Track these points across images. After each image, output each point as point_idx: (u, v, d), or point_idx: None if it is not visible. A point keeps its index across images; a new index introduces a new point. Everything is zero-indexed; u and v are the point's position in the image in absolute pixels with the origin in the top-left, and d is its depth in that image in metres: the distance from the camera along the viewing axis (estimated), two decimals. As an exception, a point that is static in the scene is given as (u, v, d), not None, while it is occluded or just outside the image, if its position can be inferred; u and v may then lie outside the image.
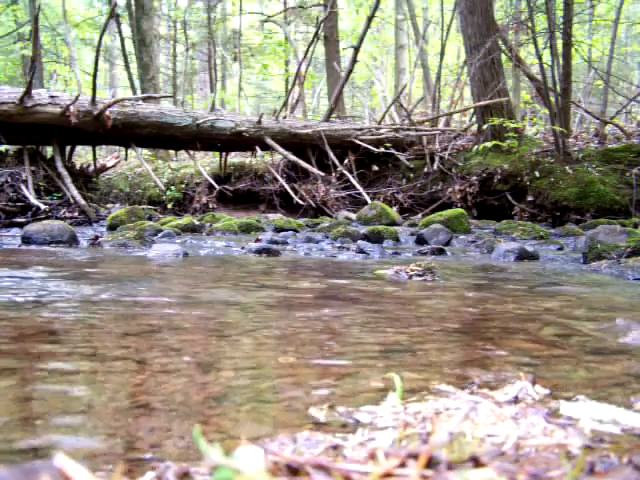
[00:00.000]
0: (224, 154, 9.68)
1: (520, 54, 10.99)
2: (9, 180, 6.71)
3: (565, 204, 7.26)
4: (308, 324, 1.67)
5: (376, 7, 9.73)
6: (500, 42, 9.17)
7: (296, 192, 8.75)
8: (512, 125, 8.19)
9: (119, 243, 4.14)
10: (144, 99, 8.41)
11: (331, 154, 8.82)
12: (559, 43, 7.96)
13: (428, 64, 15.59)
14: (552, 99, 7.90)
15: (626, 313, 1.92)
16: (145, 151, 12.19)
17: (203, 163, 10.71)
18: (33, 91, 6.74)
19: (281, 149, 8.59)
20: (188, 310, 1.86)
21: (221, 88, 20.07)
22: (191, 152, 9.10)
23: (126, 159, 9.91)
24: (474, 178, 8.26)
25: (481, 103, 8.67)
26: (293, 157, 8.60)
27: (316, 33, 10.18)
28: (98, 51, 7.27)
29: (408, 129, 9.44)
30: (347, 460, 0.68)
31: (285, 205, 9.12)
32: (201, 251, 3.93)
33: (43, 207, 6.49)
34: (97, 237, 4.38)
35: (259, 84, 26.51)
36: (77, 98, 6.84)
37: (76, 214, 6.80)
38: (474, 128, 9.66)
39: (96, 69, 7.21)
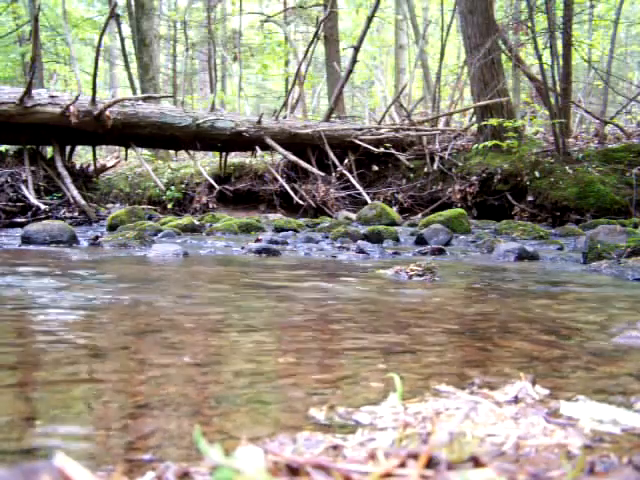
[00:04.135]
0: (224, 154, 9.67)
1: (520, 54, 10.98)
2: (9, 180, 6.71)
3: (565, 204, 7.25)
4: (308, 324, 1.67)
5: (376, 7, 9.72)
6: (500, 42, 9.16)
7: (296, 192, 8.75)
8: (512, 125, 8.19)
9: (119, 243, 4.14)
10: (144, 99, 8.41)
11: (331, 154, 8.81)
12: (559, 43, 7.96)
13: (428, 64, 15.58)
14: (552, 99, 7.90)
15: (627, 313, 1.92)
16: (145, 151, 12.18)
17: (203, 163, 10.70)
18: (33, 91, 6.74)
19: (281, 149, 8.58)
20: (188, 310, 1.86)
21: (221, 88, 20.06)
22: (191, 152, 9.10)
23: (126, 159, 9.91)
24: (474, 178, 8.25)
25: (481, 103, 8.66)
26: (293, 157, 8.60)
27: (316, 33, 10.17)
28: (98, 51, 7.27)
29: (408, 129, 9.44)
30: (347, 460, 0.68)
31: (285, 205, 9.11)
32: (201, 251, 3.93)
33: (43, 207, 6.49)
34: (97, 237, 4.38)
35: (259, 84, 26.49)
36: (77, 98, 6.84)
37: (76, 214, 6.80)
38: (474, 128, 9.66)
39: (96, 69, 7.21)
